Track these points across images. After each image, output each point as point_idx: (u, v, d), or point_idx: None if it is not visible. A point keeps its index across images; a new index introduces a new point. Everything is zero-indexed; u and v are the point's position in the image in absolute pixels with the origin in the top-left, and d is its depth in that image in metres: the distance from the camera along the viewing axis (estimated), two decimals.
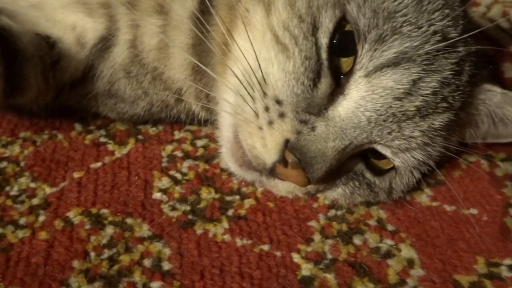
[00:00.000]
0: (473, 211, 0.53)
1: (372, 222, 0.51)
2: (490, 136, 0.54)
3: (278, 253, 0.47)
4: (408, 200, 0.53)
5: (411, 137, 0.43)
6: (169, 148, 0.59)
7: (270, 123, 0.42)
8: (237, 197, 0.53)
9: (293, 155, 0.40)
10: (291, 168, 0.41)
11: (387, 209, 0.53)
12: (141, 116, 0.60)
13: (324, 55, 0.41)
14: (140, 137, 0.61)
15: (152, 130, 0.62)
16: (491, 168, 0.59)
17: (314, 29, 0.41)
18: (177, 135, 0.61)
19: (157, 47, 0.55)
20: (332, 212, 0.52)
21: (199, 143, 0.60)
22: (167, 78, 0.56)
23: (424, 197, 0.54)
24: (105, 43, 0.56)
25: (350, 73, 0.41)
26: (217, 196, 0.53)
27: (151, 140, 0.60)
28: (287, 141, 0.41)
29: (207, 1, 0.50)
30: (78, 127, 0.61)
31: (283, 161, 0.41)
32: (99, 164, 0.56)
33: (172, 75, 0.56)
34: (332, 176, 0.45)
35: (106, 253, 0.46)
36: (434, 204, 0.54)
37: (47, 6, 0.58)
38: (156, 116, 0.61)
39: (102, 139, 0.60)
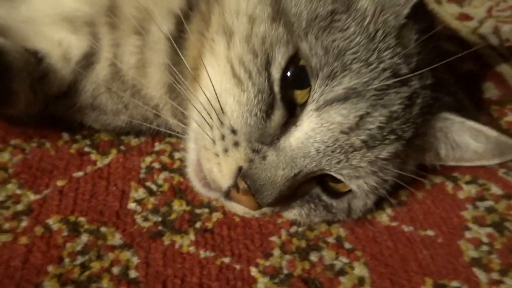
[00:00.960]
0: (430, 232, 0.55)
1: (331, 240, 0.54)
2: (451, 160, 0.56)
3: (238, 266, 0.50)
4: (368, 220, 0.56)
5: (358, 166, 0.45)
6: (148, 159, 0.63)
7: (226, 150, 0.45)
8: (206, 210, 0.56)
9: (244, 182, 0.43)
10: (242, 194, 0.44)
11: (347, 227, 0.55)
12: (122, 127, 0.64)
13: (276, 88, 0.44)
14: (122, 147, 0.64)
15: (134, 141, 0.65)
16: (455, 190, 0.61)
17: (268, 64, 0.44)
18: (157, 146, 0.65)
19: (136, 65, 0.58)
20: (294, 229, 0.55)
21: (177, 155, 0.64)
22: (145, 94, 0.59)
23: (384, 217, 0.57)
24: (89, 59, 0.59)
25: (304, 105, 0.44)
26: (188, 208, 0.56)
27: (132, 151, 0.64)
28: (240, 168, 0.44)
29: (184, 25, 0.53)
30: (65, 136, 0.65)
31: (235, 186, 0.45)
32: (81, 173, 0.60)
33: (149, 92, 0.59)
34: (286, 199, 0.48)
35: (79, 260, 0.50)
36: (393, 224, 0.56)
37: (37, 21, 0.62)
38: (137, 128, 0.64)
39: (87, 149, 0.63)
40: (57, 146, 0.63)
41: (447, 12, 1.03)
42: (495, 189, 0.60)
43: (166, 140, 0.66)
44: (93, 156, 0.62)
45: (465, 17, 1.02)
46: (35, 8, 0.63)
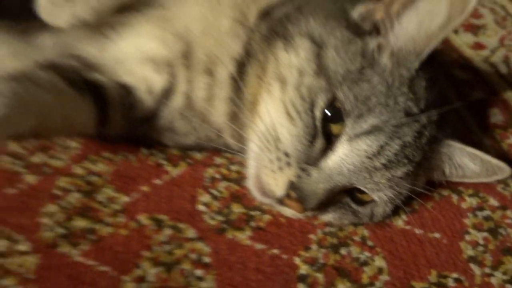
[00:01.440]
0: (437, 235, 0.69)
1: (356, 238, 0.69)
2: (455, 177, 0.70)
3: (284, 256, 0.66)
4: (387, 223, 0.71)
5: (379, 182, 0.60)
6: (210, 171, 0.79)
7: (281, 168, 0.60)
8: (259, 212, 0.72)
9: (294, 192, 0.59)
10: (292, 201, 0.59)
11: (370, 229, 0.70)
12: (190, 145, 0.80)
13: (318, 124, 0.59)
14: (189, 160, 0.80)
15: (198, 156, 0.81)
16: (459, 201, 0.74)
17: (312, 106, 0.59)
18: (217, 160, 0.81)
19: (205, 98, 0.74)
20: (327, 229, 0.70)
21: (233, 168, 0.79)
22: (211, 120, 0.75)
23: (400, 221, 0.71)
24: (167, 92, 0.75)
25: (339, 136, 0.59)
26: (244, 211, 0.72)
27: (197, 164, 0.80)
28: (291, 182, 0.60)
29: (244, 68, 0.69)
30: (144, 151, 0.82)
31: (287, 195, 0.60)
32: (159, 181, 0.76)
33: (215, 119, 0.75)
34: (324, 205, 0.63)
35: (165, 248, 0.66)
36: (407, 227, 0.71)
37: (127, 61, 0.78)
38: (201, 146, 0.80)
39: (162, 161, 0.80)
40: (139, 159, 0.80)
41: (463, 41, 1.16)
42: (493, 201, 0.74)
43: (223, 155, 0.82)
44: (167, 167, 0.79)
45: (479, 46, 1.14)
46: (123, 50, 0.79)
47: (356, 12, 0.63)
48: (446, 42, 1.15)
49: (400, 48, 0.60)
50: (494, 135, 0.88)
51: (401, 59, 0.60)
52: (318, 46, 0.61)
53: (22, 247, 0.65)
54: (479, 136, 0.86)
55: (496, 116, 0.92)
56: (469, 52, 1.11)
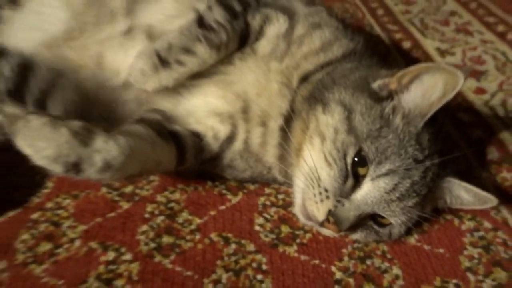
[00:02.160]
0: (441, 250, 0.89)
1: (378, 252, 0.89)
2: (454, 205, 0.90)
3: (323, 265, 0.86)
4: (402, 241, 0.91)
5: (395, 210, 0.81)
6: (262, 199, 1.01)
7: (322, 200, 0.81)
8: (302, 231, 0.93)
9: (332, 218, 0.80)
10: (330, 224, 0.80)
11: (388, 245, 0.90)
12: (246, 179, 1.02)
13: (349, 168, 0.80)
14: (245, 190, 1.02)
15: (252, 187, 1.03)
16: (459, 224, 0.94)
17: (344, 155, 0.80)
18: (266, 190, 1.03)
19: (259, 144, 0.96)
20: (356, 245, 0.90)
21: (280, 196, 1.01)
22: (263, 160, 0.97)
23: (412, 239, 0.91)
24: (230, 139, 0.98)
25: (364, 176, 0.80)
26: (290, 230, 0.93)
27: (252, 193, 1.02)
28: (330, 210, 0.81)
29: (290, 122, 0.92)
30: (209, 182, 1.04)
31: (327, 220, 0.81)
32: (223, 207, 0.99)
33: (266, 159, 0.97)
34: (354, 227, 0.84)
35: (232, 258, 0.88)
36: (418, 244, 0.90)
37: (197, 113, 1.01)
38: (255, 179, 1.02)
39: (224, 191, 1.02)
40: (206, 189, 1.03)
41: (467, 86, 1.36)
42: (487, 224, 0.93)
43: (271, 186, 1.03)
44: (229, 196, 1.01)
45: (480, 90, 1.34)
46: (194, 105, 1.02)
47: (376, 84, 0.86)
48: None
49: (409, 111, 0.82)
50: (490, 169, 1.07)
51: (410, 119, 0.82)
52: (348, 111, 0.83)
53: (127, 257, 0.88)
54: (478, 170, 1.06)
55: (493, 153, 1.11)
56: (472, 97, 1.31)
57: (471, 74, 1.40)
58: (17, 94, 0.96)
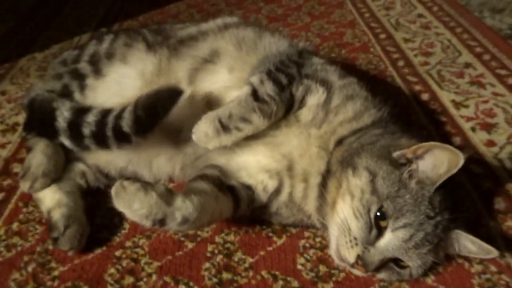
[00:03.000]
0: None
1: None
2: (462, 253, 1.08)
3: None
4: (420, 280, 1.09)
5: (412, 255, 0.99)
6: (302, 241, 1.21)
7: (352, 247, 1.01)
8: (337, 271, 1.13)
9: (360, 261, 0.99)
10: (359, 266, 1.00)
11: (410, 284, 1.09)
12: (289, 224, 1.23)
13: (373, 221, 1.00)
14: (288, 233, 1.23)
15: (293, 230, 1.24)
16: (469, 267, 1.12)
17: (369, 211, 1.00)
18: (306, 234, 1.23)
19: (301, 196, 1.17)
20: (382, 283, 1.09)
21: (317, 239, 1.21)
22: (305, 210, 1.18)
23: (429, 280, 1.09)
24: (277, 191, 1.19)
25: (385, 228, 1.00)
26: (327, 269, 1.13)
27: (293, 236, 1.22)
28: (358, 255, 1.00)
29: (326, 180, 1.12)
30: (258, 226, 1.25)
31: (356, 262, 1.00)
32: (270, 248, 1.19)
33: (307, 209, 1.18)
34: (378, 269, 1.02)
35: None
36: (434, 284, 1.09)
37: (248, 169, 1.22)
38: (296, 224, 1.23)
39: (270, 234, 1.23)
40: (255, 232, 1.24)
41: (479, 139, 1.54)
42: (492, 268, 1.11)
43: (310, 231, 1.24)
44: (274, 238, 1.22)
45: (491, 143, 1.51)
46: (245, 161, 1.24)
47: (396, 154, 1.05)
48: (466, 140, 1.54)
49: (423, 178, 1.02)
50: (497, 218, 1.25)
51: (424, 185, 1.01)
52: (373, 175, 1.03)
53: None
54: (486, 218, 1.24)
55: (500, 203, 1.29)
56: (483, 149, 1.49)
57: (482, 126, 1.59)
58: (99, 134, 1.21)
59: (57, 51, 2.26)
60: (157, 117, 1.18)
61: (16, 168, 1.46)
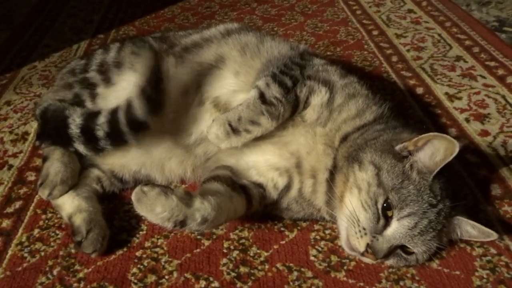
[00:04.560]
0: (457, 272, 1.15)
1: (408, 275, 1.15)
2: (464, 237, 1.15)
3: (367, 287, 1.13)
4: (426, 265, 1.16)
5: (417, 242, 1.06)
6: (312, 234, 1.27)
7: (361, 236, 1.07)
8: (348, 260, 1.19)
9: (369, 249, 1.06)
10: (369, 254, 1.07)
11: (416, 269, 1.16)
12: (299, 218, 1.30)
13: (380, 212, 1.06)
14: (299, 227, 1.30)
15: (303, 224, 1.30)
16: (471, 250, 1.20)
17: (376, 202, 1.07)
18: (315, 227, 1.30)
19: (311, 192, 1.23)
20: (390, 270, 1.16)
21: (327, 232, 1.28)
22: (314, 204, 1.25)
23: (434, 264, 1.17)
24: (287, 188, 1.25)
25: (391, 217, 1.07)
26: (338, 259, 1.20)
27: (304, 229, 1.29)
28: (368, 244, 1.07)
29: (333, 175, 1.19)
30: (269, 222, 1.32)
31: (366, 251, 1.07)
32: (283, 241, 1.26)
33: (316, 203, 1.24)
34: (387, 256, 1.09)
35: (296, 283, 1.14)
36: (439, 268, 1.16)
37: (257, 167, 1.29)
38: (306, 218, 1.30)
39: (282, 228, 1.29)
40: (267, 227, 1.30)
41: (473, 129, 1.62)
42: (493, 250, 1.19)
43: (319, 223, 1.30)
44: (286, 232, 1.28)
45: (485, 133, 1.60)
46: (254, 160, 1.29)
47: (398, 147, 1.12)
48: (461, 131, 1.62)
49: (422, 168, 1.08)
50: (494, 204, 1.33)
51: (423, 174, 1.08)
52: (378, 169, 1.10)
53: (215, 284, 1.15)
54: (484, 204, 1.32)
55: (496, 189, 1.37)
56: (477, 139, 1.57)
57: (476, 117, 1.67)
58: (113, 134, 1.27)
59: (57, 59, 2.29)
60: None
61: (30, 176, 1.50)
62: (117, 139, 1.27)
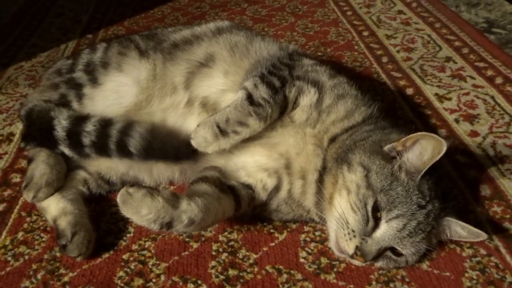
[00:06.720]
0: (447, 273, 1.14)
1: (398, 276, 1.14)
2: (453, 238, 1.15)
3: (352, 286, 1.12)
4: (416, 266, 1.16)
5: (406, 244, 1.06)
6: (302, 235, 1.26)
7: (350, 239, 1.06)
8: (337, 262, 1.18)
9: (359, 251, 1.05)
10: (358, 256, 1.05)
11: (406, 271, 1.15)
12: (289, 220, 1.28)
13: (369, 214, 1.05)
14: (289, 229, 1.28)
15: (293, 226, 1.29)
16: (461, 251, 1.19)
17: (365, 204, 1.05)
18: (305, 228, 1.28)
19: (300, 193, 1.22)
20: (380, 271, 1.15)
21: (317, 233, 1.27)
22: (304, 205, 1.23)
23: (424, 265, 1.16)
24: (276, 189, 1.24)
25: (380, 219, 1.06)
26: (328, 261, 1.19)
27: (294, 231, 1.28)
28: (357, 246, 1.06)
29: (323, 176, 1.18)
30: (259, 223, 1.30)
31: (355, 253, 1.06)
32: (273, 243, 1.24)
33: (306, 204, 1.23)
34: (376, 258, 1.08)
35: (286, 286, 1.12)
36: (429, 269, 1.16)
37: (246, 168, 1.27)
38: (296, 220, 1.28)
39: (272, 230, 1.28)
40: (257, 229, 1.29)
41: (463, 130, 1.62)
42: (482, 251, 1.19)
43: (309, 225, 1.29)
44: (276, 234, 1.27)
45: (474, 133, 1.60)
46: (243, 161, 1.28)
47: (387, 147, 1.12)
48: (451, 132, 1.62)
49: (410, 167, 1.08)
50: (484, 204, 1.32)
51: (411, 174, 1.07)
52: (367, 170, 1.09)
53: (203, 287, 1.13)
54: (473, 205, 1.32)
55: (485, 190, 1.37)
56: (467, 139, 1.57)
57: (465, 117, 1.67)
58: (99, 145, 1.25)
59: (44, 59, 2.26)
60: (167, 155, 1.26)
61: (15, 178, 1.47)
62: (102, 152, 1.26)
